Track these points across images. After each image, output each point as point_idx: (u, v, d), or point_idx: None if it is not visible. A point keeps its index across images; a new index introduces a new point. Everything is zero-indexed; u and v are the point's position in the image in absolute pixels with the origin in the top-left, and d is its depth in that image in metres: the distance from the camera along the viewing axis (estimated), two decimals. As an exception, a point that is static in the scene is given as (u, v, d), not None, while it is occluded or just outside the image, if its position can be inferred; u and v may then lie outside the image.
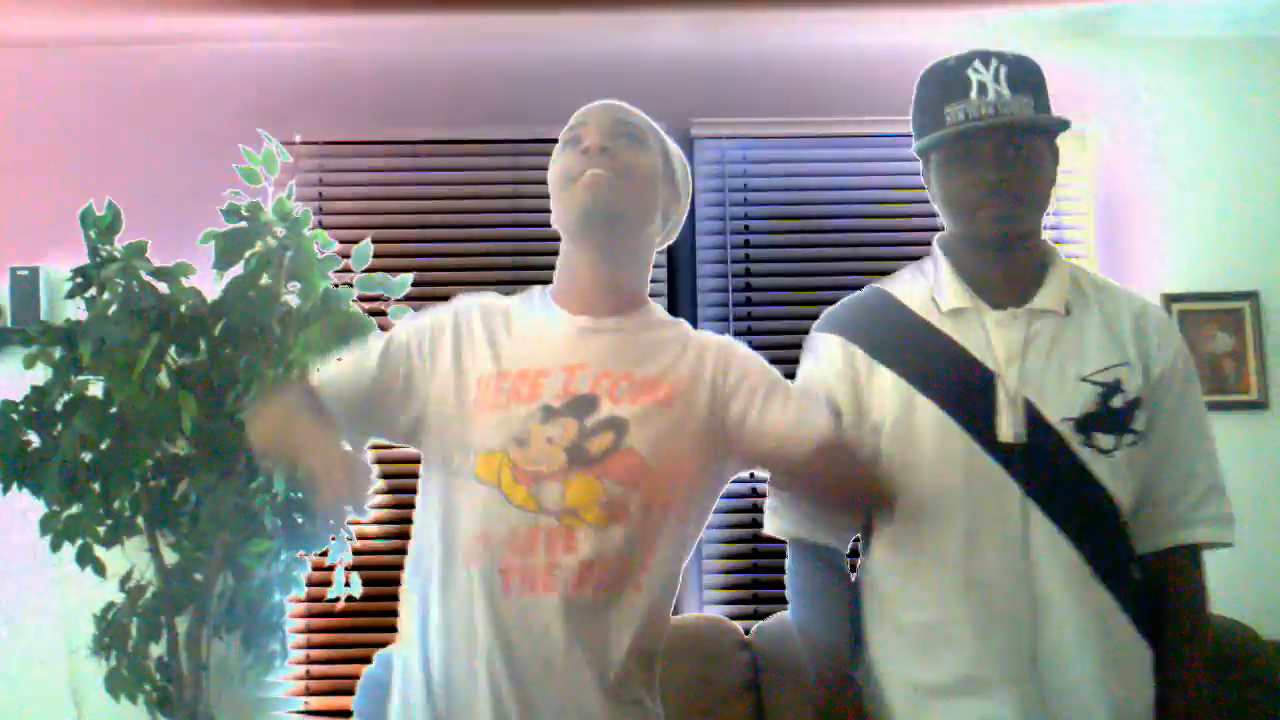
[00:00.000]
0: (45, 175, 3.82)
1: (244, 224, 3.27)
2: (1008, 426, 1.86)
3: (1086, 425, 1.86)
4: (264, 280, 3.26)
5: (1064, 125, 1.93)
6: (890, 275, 2.13)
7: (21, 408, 3.12)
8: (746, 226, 3.93)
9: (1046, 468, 1.86)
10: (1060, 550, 1.84)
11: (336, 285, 3.38)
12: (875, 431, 1.95)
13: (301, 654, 3.68)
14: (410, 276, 3.37)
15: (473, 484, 1.75)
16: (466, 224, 3.81)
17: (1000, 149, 1.86)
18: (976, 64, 1.89)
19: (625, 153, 1.84)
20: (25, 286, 3.71)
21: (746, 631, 3.49)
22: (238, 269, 3.26)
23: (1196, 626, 1.96)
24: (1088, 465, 1.86)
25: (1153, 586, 1.96)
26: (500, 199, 3.86)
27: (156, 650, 3.25)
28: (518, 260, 3.77)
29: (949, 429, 1.88)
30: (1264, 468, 3.71)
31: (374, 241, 3.42)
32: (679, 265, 3.87)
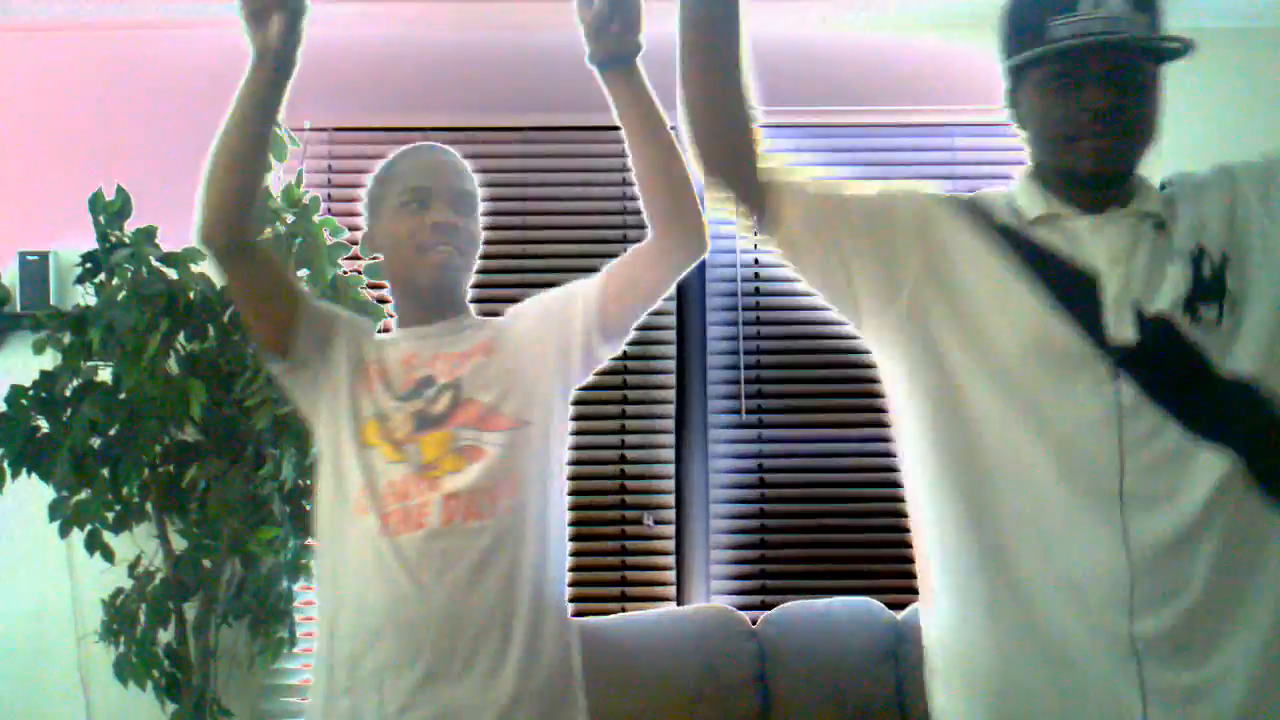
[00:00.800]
0: (56, 160, 3.83)
1: (252, 210, 3.26)
2: (1122, 328, 1.65)
3: (1189, 304, 1.64)
4: (273, 267, 3.26)
5: (1189, 48, 1.68)
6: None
7: (31, 393, 3.12)
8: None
9: (1161, 364, 1.64)
10: (1175, 438, 1.61)
11: (345, 273, 3.38)
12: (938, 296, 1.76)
13: (310, 642, 3.68)
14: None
15: (358, 447, 2.00)
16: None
17: (1114, 71, 1.64)
18: None
19: (467, 224, 2.09)
20: (35, 271, 3.71)
21: (754, 622, 3.49)
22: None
23: None
24: (1205, 348, 1.63)
25: None
26: (510, 186, 3.87)
27: (165, 636, 3.26)
28: (527, 249, 3.76)
29: (1055, 329, 1.68)
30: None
31: (383, 229, 3.40)
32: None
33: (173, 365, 3.18)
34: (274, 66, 1.98)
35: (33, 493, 3.16)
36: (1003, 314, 1.70)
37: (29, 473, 3.11)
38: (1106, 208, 1.72)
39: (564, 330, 2.06)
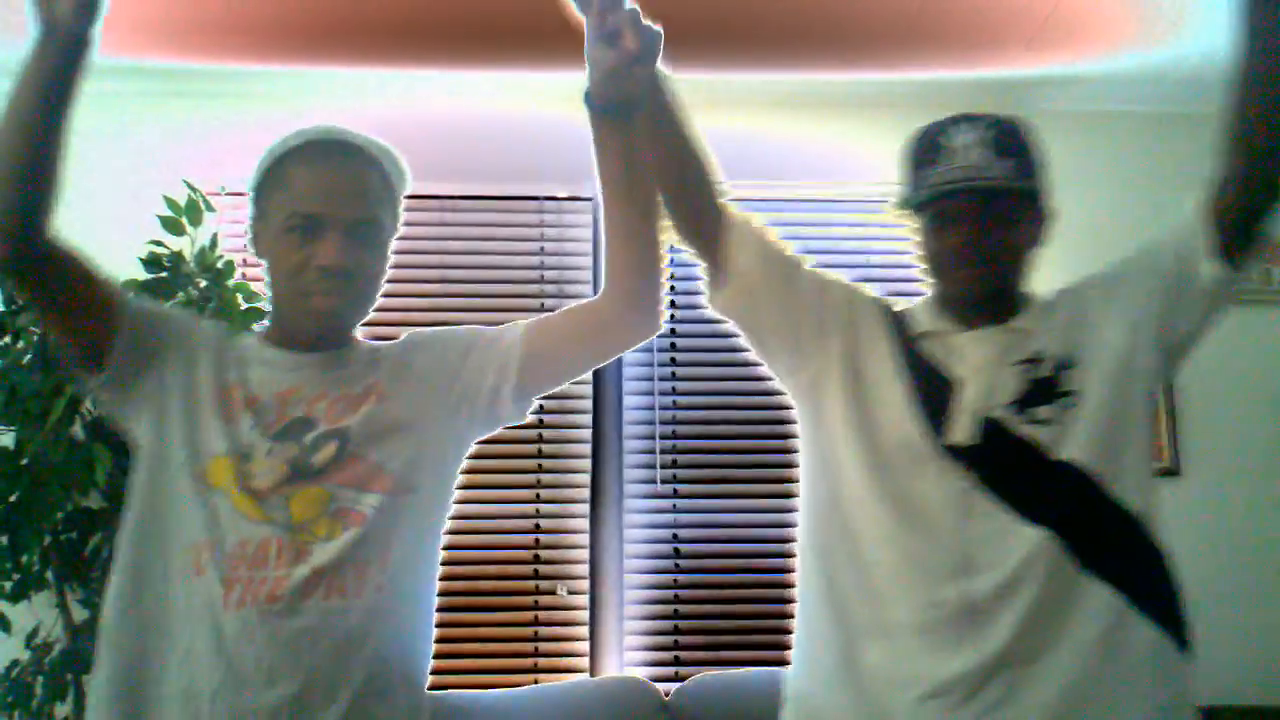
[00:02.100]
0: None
1: (165, 274, 3.24)
2: (960, 430, 1.86)
3: (1024, 405, 1.86)
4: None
5: (1039, 189, 1.95)
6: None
7: (-70, 458, 3.05)
8: (671, 288, 3.95)
9: (996, 460, 1.85)
10: (1012, 529, 1.81)
11: (259, 338, 3.35)
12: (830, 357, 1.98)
13: None
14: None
15: (199, 487, 1.71)
16: (396, 278, 3.69)
17: (977, 210, 1.88)
18: (963, 126, 1.92)
19: (364, 260, 1.78)
20: (-63, 333, 3.63)
21: (667, 694, 3.47)
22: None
23: None
24: (1037, 441, 1.84)
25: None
26: (429, 254, 3.89)
27: (62, 710, 3.17)
28: (445, 316, 3.74)
29: (913, 429, 1.89)
30: (1179, 535, 3.77)
31: (298, 294, 3.38)
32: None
33: (78, 430, 3.12)
34: (66, 46, 1.57)
35: (-73, 561, 3.08)
36: (883, 409, 1.93)
37: (-75, 540, 3.03)
38: (985, 324, 1.94)
39: (469, 379, 1.84)
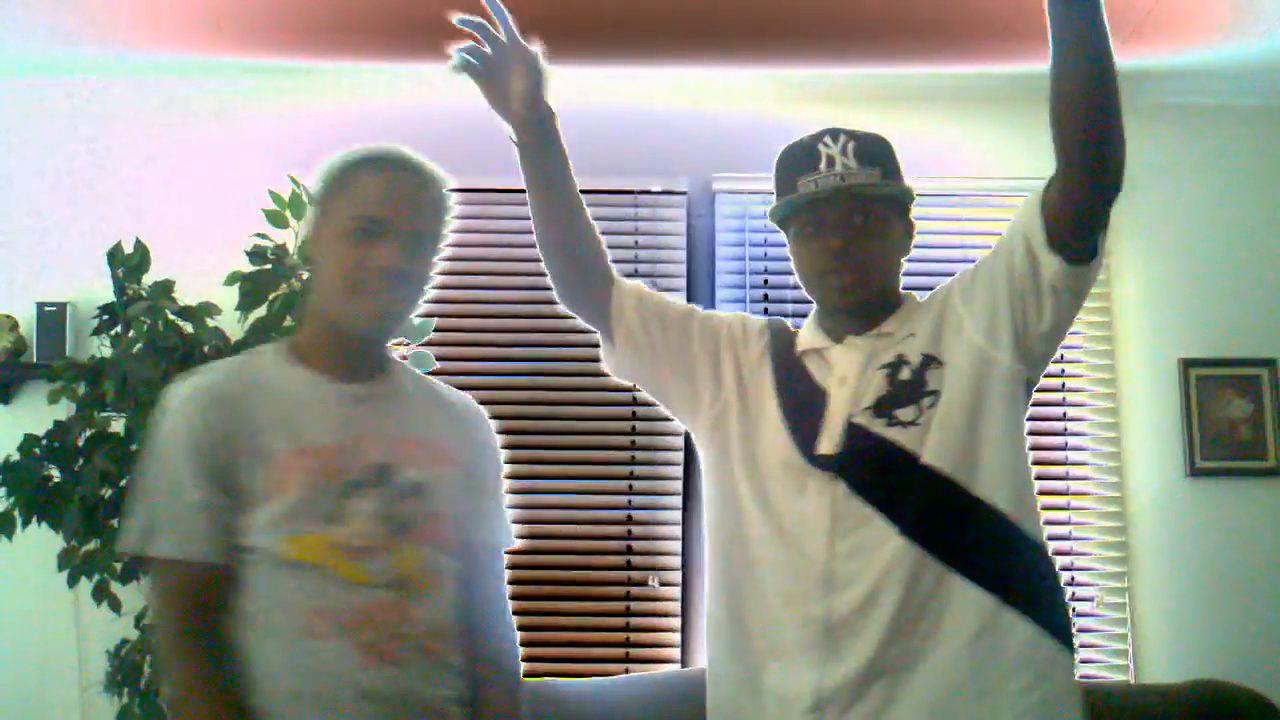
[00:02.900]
0: (75, 212, 3.88)
1: (268, 266, 3.31)
2: (827, 441, 1.88)
3: (884, 407, 1.87)
4: (287, 323, 3.28)
5: (907, 195, 1.99)
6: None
7: (44, 442, 3.14)
8: (766, 280, 3.96)
9: (859, 462, 1.85)
10: (878, 529, 1.82)
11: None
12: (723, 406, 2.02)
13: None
14: (433, 321, 3.39)
15: (291, 569, 1.68)
16: (488, 270, 3.81)
17: (845, 217, 1.90)
18: (826, 139, 1.94)
19: (417, 271, 1.81)
20: (52, 322, 3.75)
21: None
22: (261, 311, 3.29)
23: None
24: (899, 443, 1.84)
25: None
26: (521, 248, 3.85)
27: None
28: (538, 309, 3.71)
29: (789, 452, 1.91)
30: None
31: (397, 287, 3.42)
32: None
33: (186, 418, 3.19)
34: (533, 134, 1.92)
35: (42, 542, 3.18)
36: (765, 433, 1.96)
37: (39, 522, 3.13)
38: (857, 334, 1.96)
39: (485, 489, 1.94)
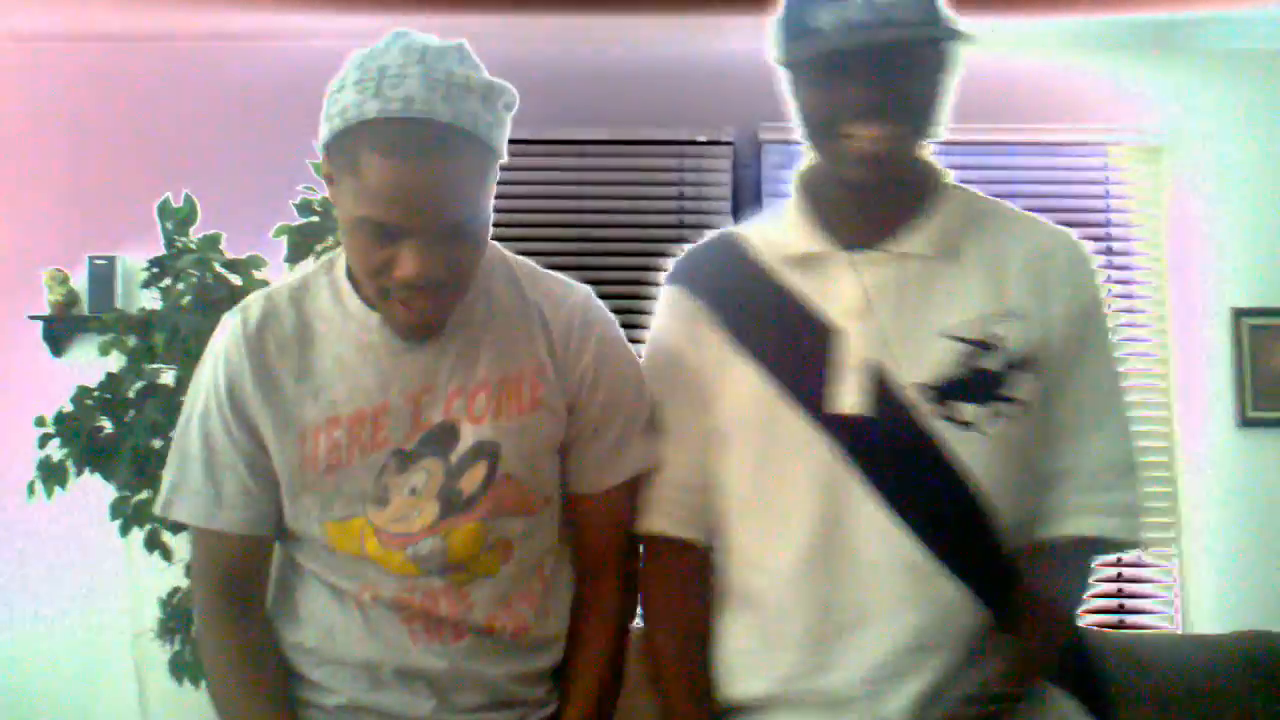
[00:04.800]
0: (124, 167, 3.92)
1: (316, 219, 3.32)
2: (846, 395, 1.51)
3: (945, 392, 1.49)
4: (334, 274, 3.30)
5: (962, 37, 1.49)
6: (753, 216, 1.76)
7: (96, 394, 3.18)
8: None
9: (889, 445, 1.50)
10: (898, 545, 1.49)
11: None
12: (712, 413, 1.62)
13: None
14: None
15: (331, 556, 1.53)
16: (536, 223, 3.81)
17: (880, 61, 1.44)
18: None
19: (456, 256, 1.40)
20: (103, 275, 3.81)
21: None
22: (309, 263, 3.31)
23: (1048, 632, 1.55)
24: (943, 441, 1.48)
25: (1033, 565, 1.55)
26: (568, 199, 3.89)
27: (220, 635, 3.29)
28: (584, 260, 3.71)
29: (775, 401, 1.54)
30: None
31: (442, 238, 3.42)
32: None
33: (234, 369, 3.22)
34: None
35: (95, 492, 3.23)
36: (732, 400, 1.59)
37: (91, 472, 3.17)
38: (873, 241, 1.55)
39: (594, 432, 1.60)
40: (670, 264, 1.72)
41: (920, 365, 1.50)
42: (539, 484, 1.56)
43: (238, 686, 1.59)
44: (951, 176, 1.64)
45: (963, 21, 1.49)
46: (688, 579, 1.64)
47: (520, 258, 1.65)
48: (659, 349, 1.69)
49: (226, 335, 1.54)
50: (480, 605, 1.54)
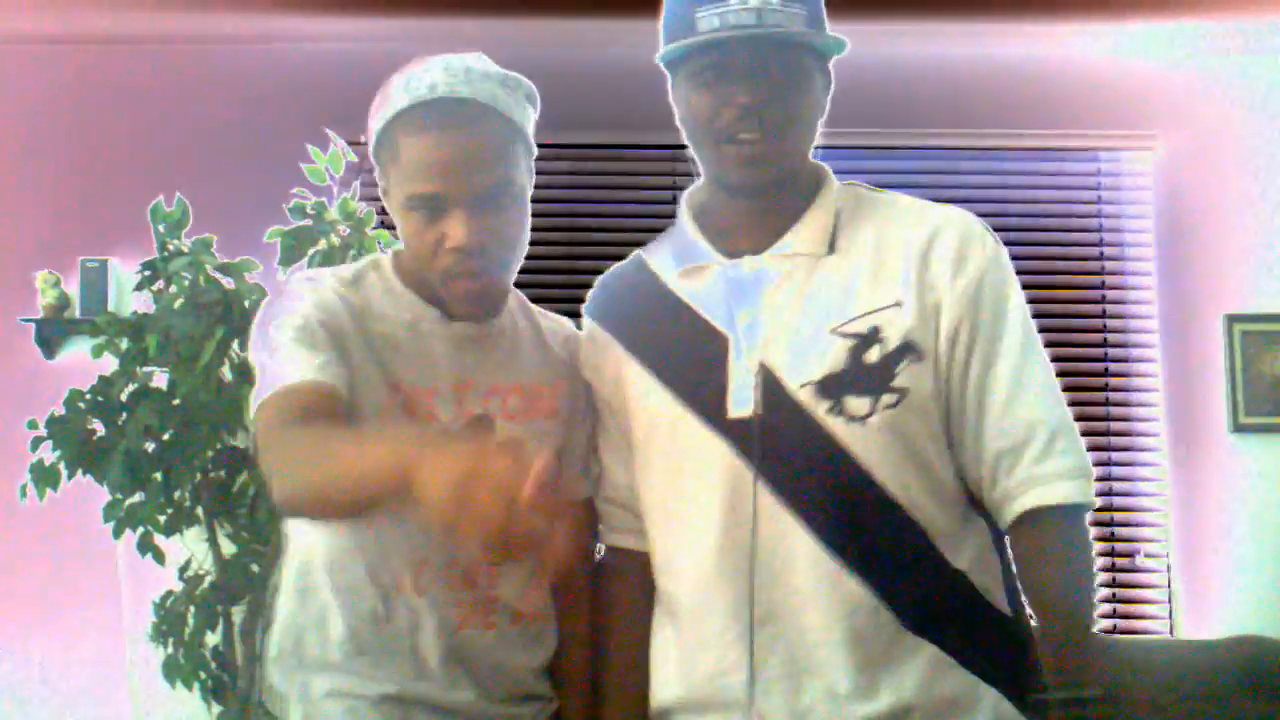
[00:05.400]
0: (117, 170, 3.91)
1: (309, 222, 3.32)
2: (741, 399, 1.53)
3: (833, 388, 1.50)
4: (327, 278, 3.30)
5: (839, 46, 1.56)
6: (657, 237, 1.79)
7: (88, 397, 3.17)
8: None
9: (782, 444, 1.51)
10: (800, 543, 1.50)
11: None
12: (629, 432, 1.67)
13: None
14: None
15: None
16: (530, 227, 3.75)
17: (760, 65, 1.49)
18: None
19: (500, 224, 1.56)
20: (95, 278, 3.80)
21: None
22: (301, 266, 3.31)
23: (1070, 609, 1.51)
24: (836, 437, 1.49)
25: (1015, 566, 1.58)
26: (560, 203, 3.91)
27: (212, 639, 3.30)
28: (573, 264, 3.75)
29: (677, 411, 1.57)
30: None
31: (436, 242, 3.42)
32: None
33: (226, 372, 3.22)
34: None
35: (87, 495, 3.22)
36: (638, 413, 1.64)
37: (84, 474, 3.17)
38: (760, 246, 1.59)
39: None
40: (589, 294, 1.80)
41: (808, 364, 1.52)
42: (560, 489, 1.59)
43: (315, 438, 1.40)
44: (833, 176, 1.67)
45: (836, 31, 1.55)
46: (628, 586, 1.70)
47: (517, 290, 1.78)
48: (585, 376, 1.75)
49: (320, 281, 1.61)
50: (507, 582, 1.60)
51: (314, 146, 3.43)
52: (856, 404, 1.50)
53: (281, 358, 1.50)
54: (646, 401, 1.61)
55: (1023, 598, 1.58)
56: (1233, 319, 3.79)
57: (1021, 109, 3.86)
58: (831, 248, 1.58)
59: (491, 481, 1.06)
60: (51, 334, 3.82)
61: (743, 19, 1.47)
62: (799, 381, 1.51)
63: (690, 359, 1.59)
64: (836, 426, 1.50)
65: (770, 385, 1.52)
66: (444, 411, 1.60)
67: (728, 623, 1.54)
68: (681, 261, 1.64)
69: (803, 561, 1.50)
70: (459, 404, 1.61)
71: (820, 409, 1.50)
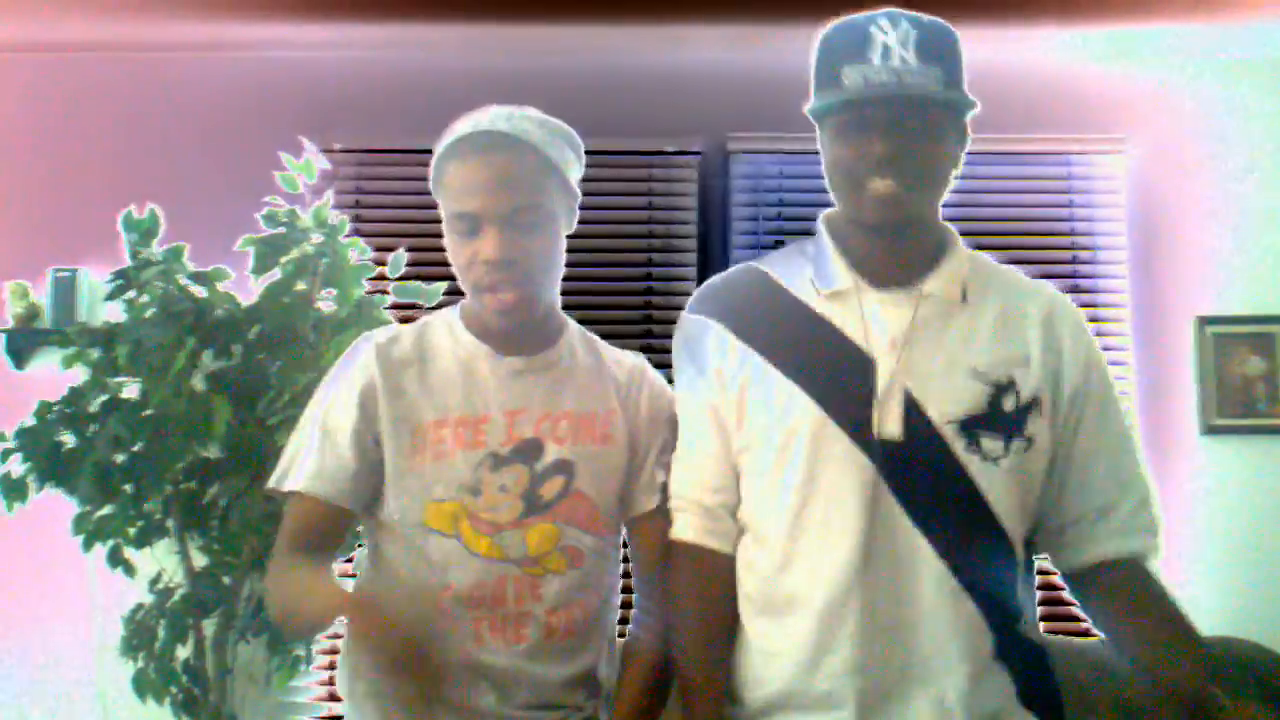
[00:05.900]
0: (87, 179, 3.87)
1: (282, 230, 3.30)
2: (887, 421, 1.67)
3: (972, 427, 1.67)
4: (299, 286, 3.28)
5: (970, 105, 1.72)
6: (769, 254, 1.93)
7: (57, 408, 3.15)
8: (778, 243, 3.90)
9: (923, 471, 1.67)
10: (926, 562, 1.66)
11: (371, 293, 3.40)
12: (752, 433, 1.77)
13: (325, 660, 3.69)
14: (443, 285, 3.35)
15: (425, 535, 1.77)
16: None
17: (897, 120, 1.64)
18: (883, 23, 1.65)
19: (530, 244, 1.76)
20: (65, 288, 3.75)
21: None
22: (274, 275, 3.29)
23: (1181, 636, 1.73)
24: (969, 472, 1.67)
25: (1100, 601, 1.79)
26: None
27: (183, 652, 3.27)
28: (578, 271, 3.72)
29: (822, 422, 1.69)
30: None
31: (409, 250, 3.44)
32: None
33: (198, 383, 3.20)
34: None
35: (57, 507, 3.19)
36: (775, 417, 1.73)
37: (54, 487, 3.14)
38: (897, 282, 1.74)
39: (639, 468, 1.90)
40: (694, 296, 1.91)
41: (950, 400, 1.68)
42: (606, 506, 1.84)
43: (291, 570, 1.75)
44: (957, 237, 1.83)
45: (971, 97, 1.71)
46: (713, 585, 1.80)
47: (588, 331, 2.02)
48: (682, 373, 1.88)
49: (363, 351, 1.85)
50: (548, 599, 1.77)
51: (287, 154, 3.41)
52: (991, 445, 1.67)
53: (296, 446, 1.84)
54: (790, 407, 1.71)
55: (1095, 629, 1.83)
56: (1204, 321, 3.81)
57: (993, 113, 3.84)
58: (961, 296, 1.75)
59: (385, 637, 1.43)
60: (21, 344, 3.77)
61: (883, 78, 1.63)
62: (942, 416, 1.67)
63: (836, 376, 1.71)
64: (972, 463, 1.67)
65: (913, 413, 1.67)
66: (493, 439, 1.78)
67: (859, 626, 1.66)
68: (826, 283, 1.77)
69: (929, 579, 1.66)
70: (510, 429, 1.80)
71: (959, 444, 1.67)
